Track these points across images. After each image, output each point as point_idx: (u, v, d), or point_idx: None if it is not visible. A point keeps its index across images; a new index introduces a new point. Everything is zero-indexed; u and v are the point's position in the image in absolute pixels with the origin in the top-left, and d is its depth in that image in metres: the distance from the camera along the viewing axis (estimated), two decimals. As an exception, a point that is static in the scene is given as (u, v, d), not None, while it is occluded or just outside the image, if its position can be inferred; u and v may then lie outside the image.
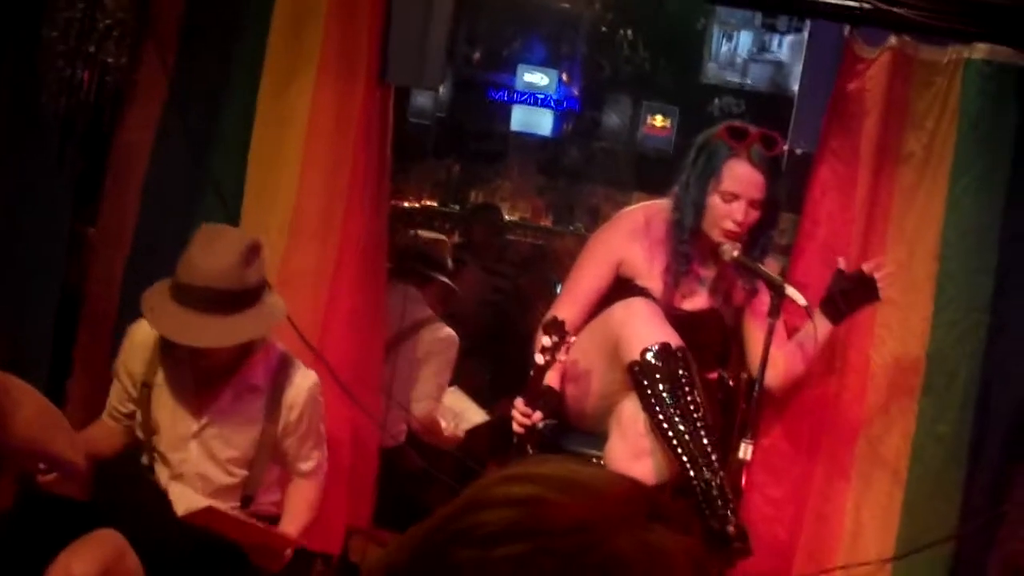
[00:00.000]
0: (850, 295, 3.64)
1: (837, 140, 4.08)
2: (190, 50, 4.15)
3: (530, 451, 3.42)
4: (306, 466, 3.62)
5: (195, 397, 3.49)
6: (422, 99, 10.41)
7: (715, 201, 3.56)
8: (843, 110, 4.06)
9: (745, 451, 3.33)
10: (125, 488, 3.56)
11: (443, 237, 5.39)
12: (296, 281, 3.99)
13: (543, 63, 10.62)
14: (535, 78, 10.52)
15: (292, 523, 3.59)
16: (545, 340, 3.29)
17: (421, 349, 4.74)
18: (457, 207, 10.17)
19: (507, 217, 9.94)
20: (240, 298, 3.34)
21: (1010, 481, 4.09)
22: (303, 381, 3.55)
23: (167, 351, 3.49)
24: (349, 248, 4.10)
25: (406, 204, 9.44)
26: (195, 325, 3.30)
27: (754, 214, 3.57)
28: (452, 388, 5.16)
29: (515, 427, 3.41)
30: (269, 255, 3.75)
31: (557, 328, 3.29)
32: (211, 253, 3.35)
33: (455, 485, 3.95)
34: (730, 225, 3.52)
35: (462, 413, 5.06)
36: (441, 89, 10.49)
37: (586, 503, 0.84)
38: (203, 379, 3.48)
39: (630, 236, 3.70)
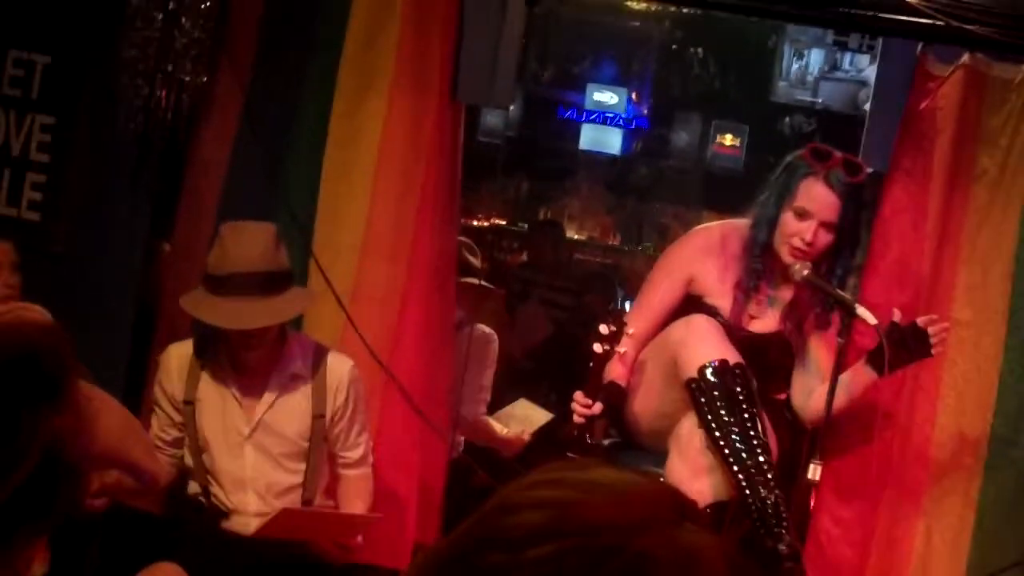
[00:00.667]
0: (901, 348, 3.54)
1: (909, 159, 4.05)
2: (265, 68, 4.22)
3: (590, 442, 3.42)
4: (356, 453, 3.67)
5: (242, 398, 3.57)
6: (492, 117, 10.43)
7: (787, 218, 3.54)
8: (915, 128, 4.02)
9: (814, 472, 3.31)
10: (188, 513, 3.62)
11: (465, 239, 5.32)
12: (367, 299, 4.03)
13: (613, 82, 10.61)
14: (604, 97, 10.51)
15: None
16: (603, 328, 3.30)
17: (460, 353, 4.70)
18: (526, 226, 10.18)
19: (575, 236, 9.94)
20: (278, 279, 3.48)
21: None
22: (342, 365, 3.65)
23: (206, 363, 3.58)
24: (419, 266, 4.14)
25: (475, 223, 9.48)
26: (242, 310, 3.42)
27: (825, 237, 3.54)
28: (521, 400, 5.17)
29: (575, 419, 3.42)
30: (341, 273, 3.81)
31: (615, 318, 3.31)
32: (241, 243, 3.51)
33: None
34: (798, 243, 3.50)
35: (528, 418, 5.04)
36: (511, 108, 10.55)
37: (614, 504, 0.85)
38: (247, 379, 3.57)
39: (704, 252, 3.69)
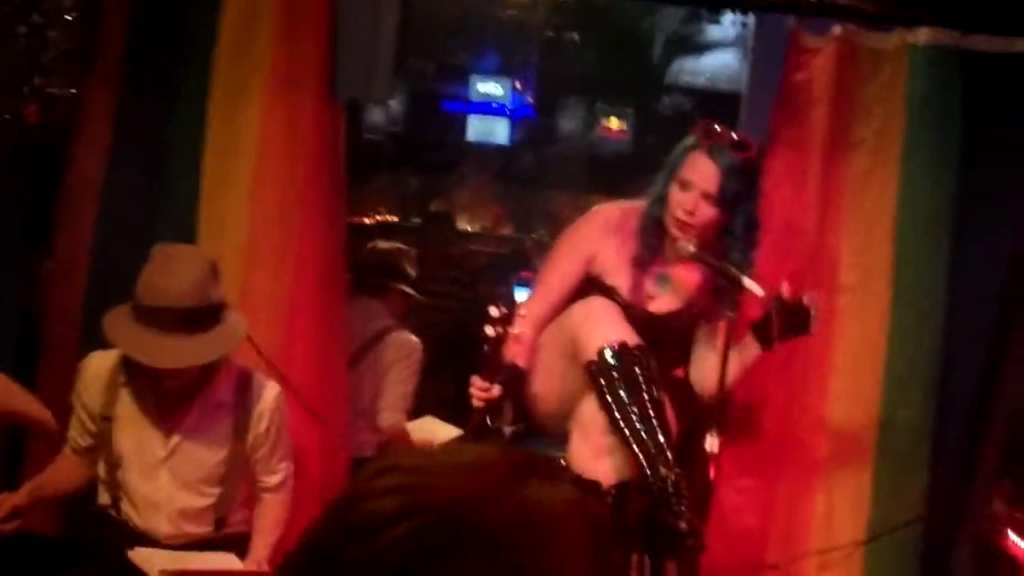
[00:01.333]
0: (784, 323, 3.53)
1: (787, 131, 4.10)
2: (137, 78, 4.12)
3: (491, 426, 3.41)
4: (275, 479, 3.60)
5: (161, 422, 3.46)
6: (377, 114, 10.40)
7: (673, 191, 3.54)
8: (791, 101, 4.08)
9: (712, 444, 3.33)
10: (93, 529, 3.53)
11: (402, 246, 5.35)
12: (255, 304, 3.97)
13: (496, 72, 10.64)
14: (489, 88, 10.54)
15: (263, 540, 3.57)
16: (493, 310, 3.29)
17: (385, 359, 4.73)
18: (419, 221, 10.13)
19: (467, 227, 9.92)
20: (205, 316, 3.34)
21: (975, 459, 4.13)
22: (268, 392, 3.56)
23: (128, 379, 3.46)
24: (307, 268, 4.09)
25: (367, 220, 9.41)
26: (164, 346, 3.28)
27: (708, 210, 3.53)
28: (427, 417, 5.14)
29: (474, 403, 3.40)
30: (228, 281, 3.73)
31: (505, 299, 3.30)
32: (171, 273, 3.34)
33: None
34: (680, 214, 3.49)
35: (434, 433, 5.02)
36: (395, 103, 10.50)
37: (461, 478, 0.88)
38: (168, 402, 3.45)
39: (604, 231, 3.67)
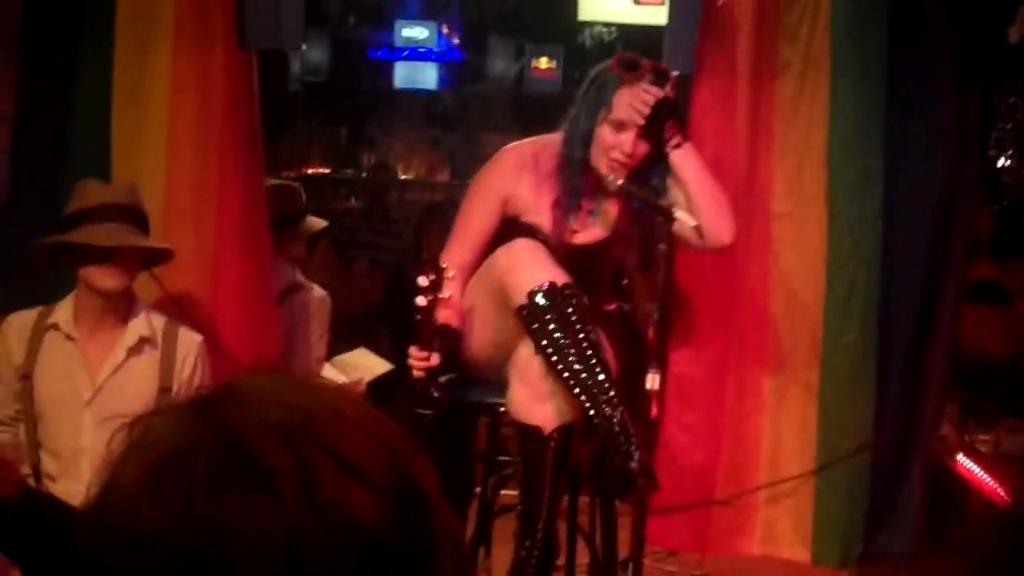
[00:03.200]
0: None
1: (712, 58, 4.02)
2: (37, 33, 3.99)
3: (434, 395, 3.35)
4: None
5: (87, 362, 3.46)
6: (302, 65, 10.21)
7: (604, 132, 3.46)
8: (715, 27, 4.00)
9: (653, 381, 3.26)
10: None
11: (287, 182, 5.06)
12: (177, 263, 3.83)
13: (420, 16, 10.47)
14: (414, 32, 10.37)
15: None
16: (421, 280, 3.22)
17: (293, 320, 4.50)
18: (351, 172, 10.01)
19: (403, 176, 9.80)
20: (141, 219, 3.46)
21: (921, 383, 4.10)
22: (193, 338, 3.58)
23: (49, 328, 3.47)
24: (228, 221, 3.98)
25: (297, 173, 9.25)
26: (109, 230, 3.36)
27: (643, 146, 3.48)
28: (360, 349, 5.03)
29: (415, 373, 3.34)
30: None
31: (432, 266, 3.22)
32: (104, 185, 3.52)
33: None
34: (618, 155, 3.43)
35: (367, 367, 4.91)
36: (320, 53, 10.32)
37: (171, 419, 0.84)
38: (94, 343, 3.47)
39: (516, 170, 3.59)
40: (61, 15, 4.00)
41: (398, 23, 10.37)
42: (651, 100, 3.40)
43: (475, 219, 3.62)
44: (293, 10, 3.93)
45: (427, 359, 3.32)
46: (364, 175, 9.33)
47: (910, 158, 4.01)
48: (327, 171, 10.05)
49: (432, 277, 3.22)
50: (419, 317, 3.29)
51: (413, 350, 3.35)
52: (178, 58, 3.92)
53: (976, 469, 4.37)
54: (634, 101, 3.41)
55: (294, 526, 0.74)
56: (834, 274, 4.03)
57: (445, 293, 3.24)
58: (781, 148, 4.04)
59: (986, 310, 5.59)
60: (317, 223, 4.75)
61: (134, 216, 3.44)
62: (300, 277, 4.55)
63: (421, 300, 3.24)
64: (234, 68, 3.95)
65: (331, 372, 4.74)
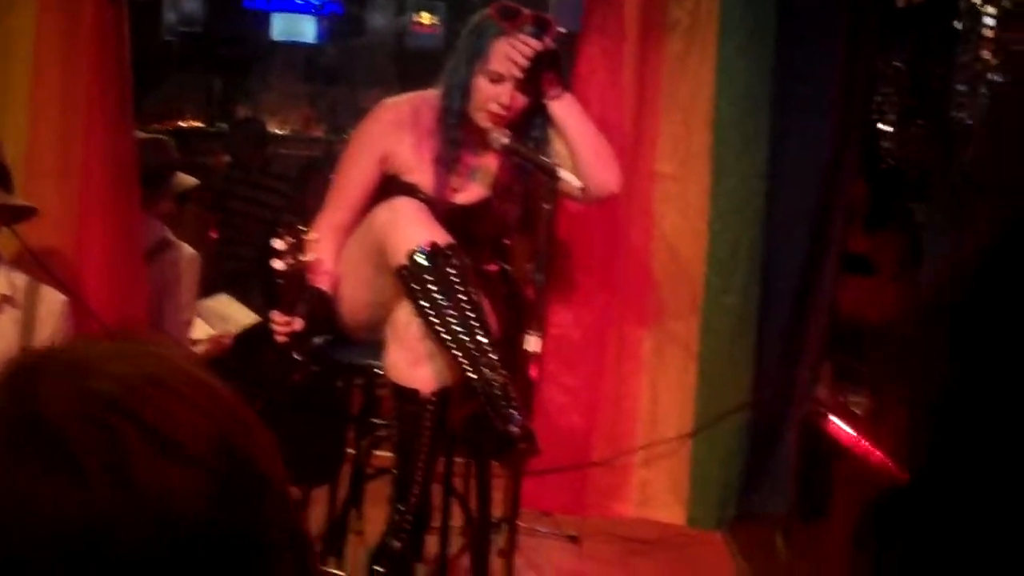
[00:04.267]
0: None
1: (599, 15, 3.97)
2: None
3: (298, 359, 3.24)
4: None
5: None
6: (176, 15, 9.91)
7: (481, 83, 3.37)
8: (601, -18, 3.93)
9: (534, 344, 3.20)
10: None
11: (158, 136, 4.83)
12: (40, 219, 3.64)
13: (300, -34, 10.23)
14: (293, -18, 10.14)
15: None
16: (277, 244, 3.10)
17: (163, 279, 4.31)
18: (225, 125, 9.73)
19: (277, 131, 9.57)
20: (3, 174, 3.32)
21: (800, 344, 4.12)
22: (55, 296, 3.39)
23: None
24: (94, 178, 3.78)
25: (169, 126, 8.97)
26: None
27: (521, 98, 3.40)
28: (222, 296, 4.84)
29: (278, 339, 3.23)
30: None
31: (290, 230, 3.11)
32: None
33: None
34: (496, 108, 3.34)
35: (231, 317, 4.73)
36: (194, 3, 10.02)
37: None
38: None
39: (394, 127, 3.48)
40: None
41: (277, -27, 10.13)
42: (529, 52, 3.31)
43: (352, 177, 3.50)
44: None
45: (290, 323, 3.22)
46: (229, 128, 9.06)
47: (797, 120, 4.00)
48: (201, 124, 9.76)
49: (291, 240, 3.10)
50: (280, 281, 3.17)
51: (275, 314, 3.24)
52: (43, 11, 3.71)
53: (849, 430, 4.41)
54: (511, 53, 3.31)
55: (95, 505, 0.68)
56: (717, 235, 4.02)
57: (308, 256, 3.12)
58: (667, 108, 4.01)
59: (858, 280, 5.66)
60: (188, 180, 4.57)
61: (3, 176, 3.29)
62: (169, 235, 4.36)
63: (279, 264, 3.12)
64: (103, 20, 3.74)
65: (198, 321, 4.55)
